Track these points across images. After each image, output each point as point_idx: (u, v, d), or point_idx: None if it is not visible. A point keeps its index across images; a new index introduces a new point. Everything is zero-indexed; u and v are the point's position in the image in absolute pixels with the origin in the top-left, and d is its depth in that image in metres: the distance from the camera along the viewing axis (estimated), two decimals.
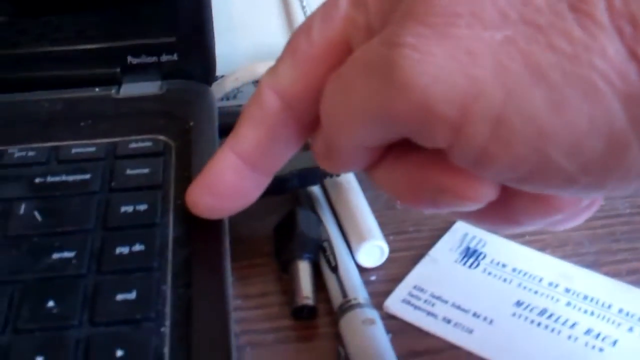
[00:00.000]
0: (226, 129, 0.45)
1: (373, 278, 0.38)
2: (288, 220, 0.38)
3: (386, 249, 0.38)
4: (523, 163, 0.20)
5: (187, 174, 0.37)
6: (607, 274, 0.38)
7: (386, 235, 0.39)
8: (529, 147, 0.19)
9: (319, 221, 0.39)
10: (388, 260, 0.38)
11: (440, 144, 0.21)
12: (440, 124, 0.20)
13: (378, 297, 0.36)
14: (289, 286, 0.36)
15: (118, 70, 0.46)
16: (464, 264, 0.38)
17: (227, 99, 0.54)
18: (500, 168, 0.20)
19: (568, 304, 0.36)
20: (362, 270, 0.38)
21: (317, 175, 0.41)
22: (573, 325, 0.35)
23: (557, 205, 0.23)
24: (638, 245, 0.40)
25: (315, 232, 0.38)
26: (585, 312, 0.36)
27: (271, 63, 0.53)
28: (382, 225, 0.40)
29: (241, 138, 0.28)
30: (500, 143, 0.20)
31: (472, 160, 0.21)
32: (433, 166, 0.23)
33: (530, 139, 0.19)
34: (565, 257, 0.39)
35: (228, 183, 0.29)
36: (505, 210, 0.24)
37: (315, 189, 0.42)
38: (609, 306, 0.36)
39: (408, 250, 0.39)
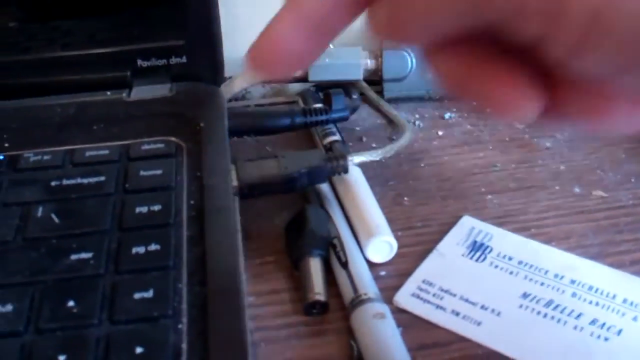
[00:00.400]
0: (236, 130, 0.46)
1: (383, 273, 0.38)
2: (298, 218, 0.39)
3: (395, 244, 0.39)
4: (619, 54, 0.19)
5: (198, 174, 0.38)
6: (611, 264, 0.39)
7: (395, 231, 0.40)
8: (628, 40, 0.19)
9: (329, 218, 0.40)
10: (397, 255, 0.39)
11: (532, 32, 0.20)
12: (536, 13, 0.19)
13: (388, 292, 0.37)
14: (301, 283, 0.36)
15: (128, 73, 0.47)
16: (471, 257, 0.39)
17: (236, 99, 0.55)
18: (594, 58, 0.20)
19: (574, 294, 0.37)
20: (371, 265, 0.38)
21: (325, 173, 0.42)
22: (579, 316, 0.36)
23: (611, 112, 0.22)
24: (639, 237, 0.41)
25: (325, 229, 0.39)
26: (591, 302, 0.36)
27: None
28: (391, 221, 0.41)
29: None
30: (598, 32, 0.19)
31: (566, 50, 0.20)
32: (491, 70, 0.21)
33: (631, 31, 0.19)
34: (570, 249, 0.40)
35: (290, 43, 0.26)
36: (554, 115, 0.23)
37: (324, 187, 0.43)
38: (614, 296, 0.37)
39: (416, 246, 0.40)
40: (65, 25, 0.50)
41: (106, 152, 0.40)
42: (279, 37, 0.26)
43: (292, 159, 0.41)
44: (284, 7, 0.26)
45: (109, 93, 0.46)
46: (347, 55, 0.52)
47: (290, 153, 0.42)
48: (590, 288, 0.37)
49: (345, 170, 0.42)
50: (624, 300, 0.36)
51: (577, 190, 0.44)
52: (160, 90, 0.46)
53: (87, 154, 0.40)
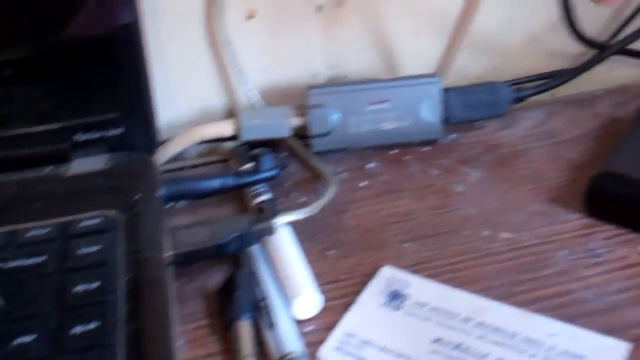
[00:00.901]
0: (171, 196, 0.50)
1: (310, 328, 0.42)
2: (229, 282, 0.43)
3: (320, 299, 0.43)
4: None
5: (134, 247, 0.42)
6: (515, 305, 0.43)
7: (321, 285, 0.44)
8: None
9: (258, 280, 0.44)
10: (324, 309, 0.43)
11: None
12: None
13: (315, 346, 0.40)
14: (233, 346, 0.40)
15: (67, 148, 0.50)
16: (389, 307, 0.43)
17: (173, 160, 0.58)
18: None
19: (480, 337, 0.41)
20: (300, 322, 0.42)
21: (254, 236, 0.45)
22: (484, 357, 0.40)
23: None
24: (540, 275, 0.45)
25: (254, 292, 0.42)
26: (495, 343, 0.40)
27: (211, 125, 0.58)
28: (318, 275, 0.44)
29: None
30: None
31: None
32: None
33: None
34: (478, 291, 0.44)
35: None
36: None
37: (255, 247, 0.46)
38: (515, 336, 0.41)
39: (341, 298, 0.44)
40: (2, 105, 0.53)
41: (46, 231, 0.43)
42: None
43: (222, 225, 0.45)
44: None
45: (48, 169, 0.49)
46: (276, 114, 0.56)
47: (221, 219, 0.45)
48: (495, 329, 0.41)
49: (272, 232, 0.45)
50: (524, 339, 0.40)
51: (485, 233, 0.48)
52: (97, 162, 0.49)
53: (28, 234, 0.43)
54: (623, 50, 0.59)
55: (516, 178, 0.53)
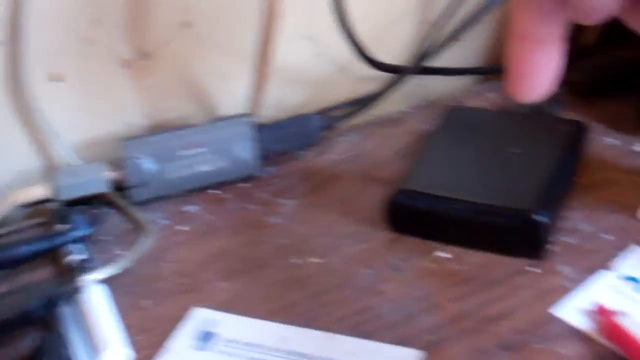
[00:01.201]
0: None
1: None
2: (37, 349, 0.43)
3: (128, 351, 0.43)
4: None
5: None
6: (320, 328, 0.44)
7: (132, 336, 0.44)
8: None
9: (67, 342, 0.44)
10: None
11: None
12: None
13: None
14: None
15: None
16: (199, 348, 0.44)
17: None
18: None
19: None
20: None
21: (62, 298, 0.46)
22: None
23: None
24: (344, 295, 0.46)
25: (62, 355, 0.43)
26: None
27: (27, 189, 0.57)
28: (129, 326, 0.45)
29: (518, 25, 0.30)
30: None
31: None
32: None
33: None
34: (287, 320, 0.45)
35: (533, 66, 0.30)
36: None
37: (65, 309, 0.47)
38: (319, 358, 0.42)
39: (152, 347, 0.45)
40: None
41: None
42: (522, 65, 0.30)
43: (26, 293, 0.45)
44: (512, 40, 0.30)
45: None
46: (92, 171, 0.57)
47: (26, 285, 0.46)
48: (301, 355, 0.43)
49: (80, 292, 0.46)
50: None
51: (294, 261, 0.50)
52: None
53: None
54: (419, 69, 0.62)
55: (328, 204, 0.55)
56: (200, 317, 0.46)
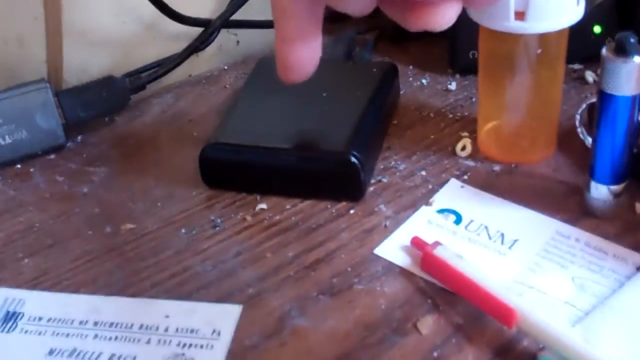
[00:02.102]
0: None
1: None
2: None
3: None
4: None
5: None
6: (133, 295, 0.42)
7: None
8: None
9: None
10: None
11: None
12: None
13: None
14: None
15: None
16: (3, 330, 0.40)
17: None
18: None
19: (95, 336, 0.39)
20: None
21: None
22: (99, 356, 0.38)
23: None
24: (160, 258, 0.44)
25: None
26: (110, 339, 0.39)
27: None
28: None
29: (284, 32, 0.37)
30: None
31: None
32: None
33: None
34: (96, 291, 0.42)
35: (297, 59, 0.37)
36: None
37: None
38: (131, 326, 0.40)
39: None
40: None
41: None
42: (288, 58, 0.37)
43: None
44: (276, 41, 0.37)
45: None
46: None
47: None
48: (111, 324, 0.40)
49: None
50: (140, 326, 0.39)
51: (108, 229, 0.47)
52: None
53: None
54: (229, 23, 0.60)
55: (143, 168, 0.52)
56: (4, 297, 0.42)
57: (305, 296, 0.40)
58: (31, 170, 0.53)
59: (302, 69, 0.40)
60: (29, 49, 0.58)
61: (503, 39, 0.43)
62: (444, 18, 0.32)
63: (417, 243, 0.41)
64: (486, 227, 0.43)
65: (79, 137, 0.55)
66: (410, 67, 0.59)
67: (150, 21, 0.61)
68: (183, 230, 0.46)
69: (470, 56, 0.54)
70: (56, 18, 0.54)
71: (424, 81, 0.57)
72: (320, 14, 0.37)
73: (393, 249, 0.42)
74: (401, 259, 0.41)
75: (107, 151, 0.54)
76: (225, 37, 0.65)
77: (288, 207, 0.47)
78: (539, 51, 0.43)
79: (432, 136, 0.51)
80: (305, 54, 0.39)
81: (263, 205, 0.47)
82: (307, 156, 0.46)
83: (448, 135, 0.51)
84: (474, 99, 0.54)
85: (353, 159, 0.45)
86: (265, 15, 0.64)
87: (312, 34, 0.37)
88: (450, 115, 0.53)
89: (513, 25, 0.41)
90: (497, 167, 0.48)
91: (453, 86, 0.56)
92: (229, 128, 0.49)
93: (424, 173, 0.48)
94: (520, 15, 0.41)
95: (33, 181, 0.52)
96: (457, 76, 0.57)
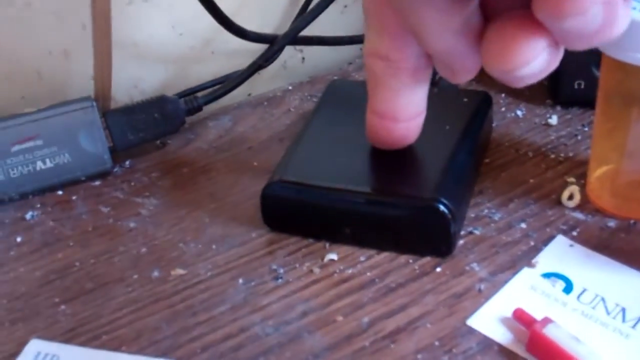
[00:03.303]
0: None
1: None
2: None
3: None
4: None
5: None
6: (182, 358, 0.36)
7: None
8: None
9: None
10: None
11: None
12: None
13: None
14: None
15: None
16: None
17: None
18: None
19: None
20: None
21: None
22: None
23: None
24: (213, 314, 0.38)
25: None
26: None
27: None
28: None
29: (374, 102, 0.38)
30: None
31: None
32: None
33: None
34: (141, 350, 0.36)
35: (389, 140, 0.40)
36: None
37: None
38: None
39: None
40: None
41: None
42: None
43: None
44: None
45: None
46: None
47: None
48: None
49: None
50: None
51: (156, 274, 0.41)
52: None
53: None
54: (295, 39, 0.54)
55: (196, 201, 0.46)
56: (37, 351, 0.37)
57: None
58: (73, 198, 0.47)
59: (396, 144, 0.40)
60: (75, 62, 0.52)
61: (632, 72, 0.36)
62: (521, 57, 0.28)
63: (521, 317, 0.34)
64: (603, 299, 0.36)
65: (127, 162, 0.50)
66: (503, 95, 0.52)
67: (209, 35, 0.55)
68: (240, 281, 0.40)
69: (576, 86, 0.47)
70: (105, 28, 0.48)
71: (519, 112, 0.50)
72: (420, 81, 0.37)
73: (490, 320, 0.35)
74: (501, 335, 0.35)
75: (157, 179, 0.48)
76: (289, 53, 0.59)
77: (362, 259, 0.40)
78: None
79: (531, 180, 0.44)
80: (401, 133, 0.40)
81: (333, 256, 0.40)
82: (386, 201, 0.40)
83: (551, 180, 0.44)
84: (579, 137, 0.47)
85: (442, 207, 0.38)
86: (334, 30, 0.58)
87: (409, 111, 0.38)
88: (552, 156, 0.46)
89: None
90: (611, 223, 0.40)
91: (554, 120, 0.49)
92: (296, 163, 0.43)
93: (524, 226, 0.41)
94: None
95: (75, 211, 0.46)
96: (558, 108, 0.50)
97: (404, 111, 0.38)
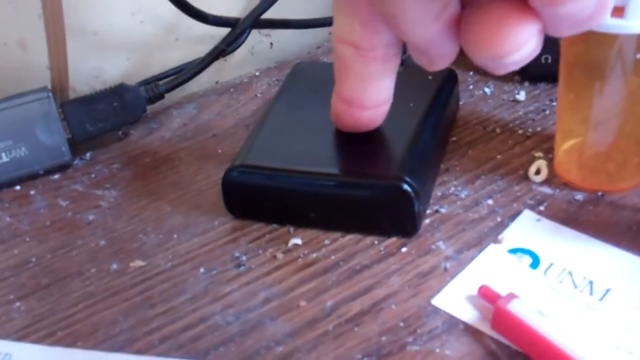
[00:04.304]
0: None
1: None
2: None
3: None
4: None
5: None
6: (139, 351, 0.34)
7: None
8: None
9: None
10: None
11: None
12: None
13: None
14: None
15: None
16: None
17: None
18: None
19: None
20: None
21: None
22: None
23: None
24: (172, 305, 0.37)
25: None
26: None
27: None
28: None
29: (341, 88, 0.37)
30: None
31: None
32: None
33: None
34: (97, 344, 0.35)
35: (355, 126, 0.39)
36: None
37: None
38: None
39: None
40: None
41: None
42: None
43: None
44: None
45: None
46: None
47: None
48: None
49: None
50: None
51: (114, 266, 0.39)
52: None
53: None
54: (259, 22, 0.52)
55: (157, 191, 0.45)
56: None
57: (347, 358, 0.33)
58: (31, 192, 0.46)
59: (361, 129, 0.39)
60: (32, 52, 0.51)
61: (594, 40, 0.35)
62: (510, 42, 0.27)
63: (486, 294, 0.33)
64: (570, 273, 0.35)
65: (88, 154, 0.48)
66: (471, 73, 0.50)
67: (171, 21, 0.54)
68: (201, 270, 0.39)
69: (543, 61, 0.46)
70: (57, 16, 0.47)
71: (487, 90, 0.49)
72: (388, 69, 0.36)
73: (456, 299, 0.34)
74: (466, 313, 0.33)
75: (118, 171, 0.47)
76: (257, 39, 0.58)
77: (327, 242, 0.39)
78: (638, 56, 0.35)
79: (498, 156, 0.43)
80: (366, 119, 0.39)
81: (297, 240, 0.39)
82: (350, 182, 0.38)
83: (518, 156, 0.43)
84: (547, 112, 0.46)
85: (406, 186, 0.37)
86: (301, 13, 0.57)
87: (375, 98, 0.37)
88: (520, 131, 0.45)
89: (608, 23, 0.33)
90: (579, 196, 0.39)
91: (522, 96, 0.48)
92: (258, 147, 0.41)
93: (490, 202, 0.40)
94: (618, 11, 0.33)
95: (33, 206, 0.45)
96: (526, 84, 0.49)
97: (372, 99, 0.37)
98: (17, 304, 0.38)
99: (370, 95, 0.37)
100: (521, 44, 0.27)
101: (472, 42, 0.28)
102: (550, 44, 0.43)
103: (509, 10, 0.27)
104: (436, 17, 0.29)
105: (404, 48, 0.35)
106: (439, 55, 0.31)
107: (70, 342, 0.36)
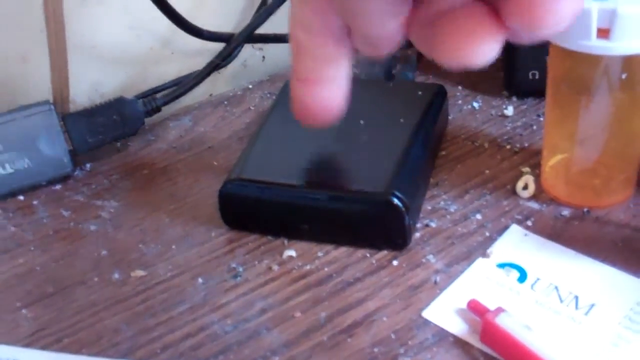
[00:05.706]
0: None
1: None
2: None
3: None
4: None
5: None
6: (142, 358, 0.36)
7: None
8: None
9: None
10: None
11: None
12: None
13: None
14: None
15: None
16: None
17: None
18: None
19: None
20: None
21: None
22: None
23: None
24: (172, 314, 0.38)
25: None
26: None
27: None
28: None
29: (297, 70, 0.33)
30: None
31: None
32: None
33: None
34: (102, 352, 0.36)
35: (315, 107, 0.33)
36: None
37: None
38: None
39: None
40: None
41: None
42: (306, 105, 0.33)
43: None
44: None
45: None
46: None
47: None
48: None
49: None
50: None
51: (116, 276, 0.41)
52: None
53: None
54: (251, 37, 0.54)
55: (156, 202, 0.46)
56: None
57: None
58: (34, 202, 0.47)
59: (322, 113, 0.35)
60: (34, 66, 0.52)
61: (580, 60, 0.37)
62: (478, 53, 0.27)
63: (475, 308, 0.35)
64: (556, 288, 0.36)
65: (88, 166, 0.50)
66: (459, 87, 0.52)
67: (167, 36, 0.55)
68: (200, 280, 0.40)
69: (530, 77, 0.47)
70: (59, 31, 0.48)
71: (475, 105, 0.51)
72: (343, 52, 0.33)
73: (445, 312, 0.36)
74: (456, 326, 0.35)
75: (117, 182, 0.48)
76: (250, 52, 0.59)
77: (320, 254, 0.40)
78: (623, 76, 0.37)
79: (487, 171, 0.45)
80: (326, 95, 0.35)
81: (291, 252, 0.41)
82: (342, 196, 0.40)
83: (506, 171, 0.44)
84: (534, 127, 0.48)
85: (396, 201, 0.38)
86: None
87: (333, 75, 0.34)
88: (508, 146, 0.46)
89: (594, 45, 0.35)
90: (565, 212, 0.41)
91: (509, 111, 0.49)
92: (253, 161, 0.43)
93: (479, 217, 0.41)
94: (603, 33, 0.34)
95: (36, 216, 0.46)
96: (514, 99, 0.50)
97: (327, 75, 0.34)
98: (24, 311, 0.40)
99: (326, 72, 0.34)
100: (489, 54, 0.28)
101: (438, 48, 0.29)
102: (538, 60, 0.45)
103: (478, 20, 0.27)
104: (395, 15, 0.29)
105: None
106: (387, 45, 0.31)
107: (76, 349, 0.37)
